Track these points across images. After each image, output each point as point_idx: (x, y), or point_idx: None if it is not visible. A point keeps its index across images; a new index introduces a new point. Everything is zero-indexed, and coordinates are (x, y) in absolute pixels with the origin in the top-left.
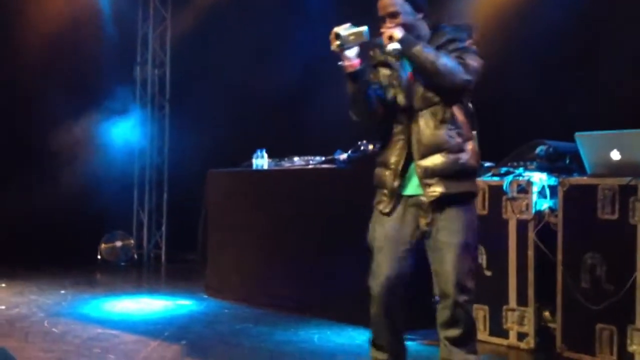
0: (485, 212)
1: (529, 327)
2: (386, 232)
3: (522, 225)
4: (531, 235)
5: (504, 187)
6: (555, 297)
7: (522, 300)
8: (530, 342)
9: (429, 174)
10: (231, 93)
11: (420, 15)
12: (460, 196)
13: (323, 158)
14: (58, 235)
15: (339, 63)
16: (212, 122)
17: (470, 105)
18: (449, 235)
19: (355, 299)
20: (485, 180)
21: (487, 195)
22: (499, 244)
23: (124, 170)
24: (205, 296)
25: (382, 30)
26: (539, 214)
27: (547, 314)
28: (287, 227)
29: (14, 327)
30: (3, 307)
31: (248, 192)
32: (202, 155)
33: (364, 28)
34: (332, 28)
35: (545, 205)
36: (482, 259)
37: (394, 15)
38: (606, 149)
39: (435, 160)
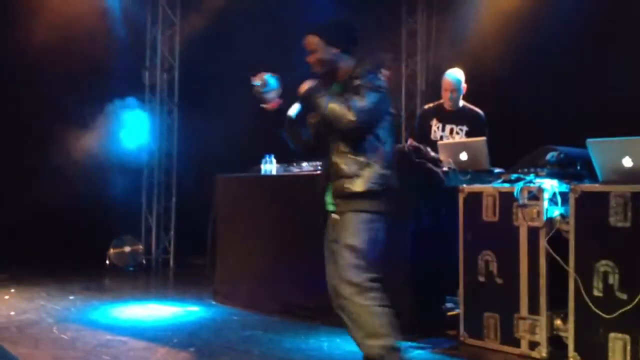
0: (495, 219)
1: (540, 336)
2: (326, 244)
3: (533, 233)
4: (542, 242)
5: (515, 194)
6: (567, 305)
7: (533, 309)
8: (542, 351)
9: (334, 196)
10: (240, 97)
11: (337, 51)
12: (355, 212)
13: None
14: (66, 241)
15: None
16: (220, 127)
17: (380, 133)
18: (339, 242)
19: None
20: (496, 186)
21: (497, 202)
22: (509, 251)
23: (133, 175)
24: (214, 302)
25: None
26: (550, 221)
27: (559, 322)
28: (296, 233)
29: (24, 333)
30: (12, 313)
31: (256, 198)
32: (211, 159)
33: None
34: None
35: (556, 212)
36: (493, 267)
37: (312, 51)
38: (618, 156)
39: (337, 184)
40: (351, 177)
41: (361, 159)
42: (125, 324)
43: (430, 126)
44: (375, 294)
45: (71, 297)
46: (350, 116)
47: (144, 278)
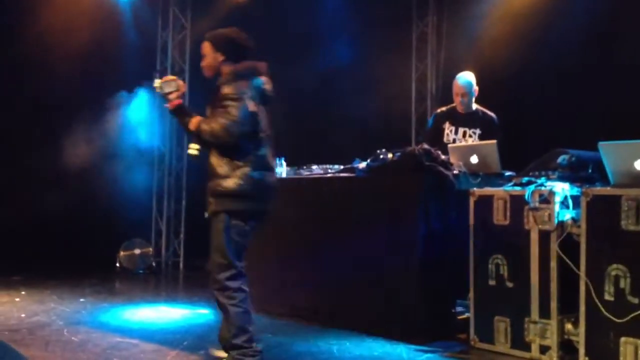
0: (506, 222)
1: (551, 340)
2: None
3: (544, 236)
4: (554, 246)
5: (526, 197)
6: (578, 309)
7: (544, 313)
8: (552, 356)
9: (209, 194)
10: None
11: (222, 58)
12: (219, 212)
13: (342, 167)
14: (77, 243)
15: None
16: None
17: (252, 137)
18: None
19: (374, 309)
20: (507, 189)
21: (508, 205)
22: (520, 255)
23: (143, 178)
24: None
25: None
26: (562, 224)
27: (570, 326)
28: (306, 236)
29: (34, 335)
30: (23, 315)
31: None
32: None
33: (174, 77)
34: (352, 39)
35: (567, 215)
36: (504, 270)
37: (204, 56)
38: (630, 159)
39: (211, 183)
40: (224, 177)
41: (234, 161)
42: (136, 327)
43: (443, 129)
44: (233, 293)
45: (82, 300)
46: (224, 135)
47: (154, 281)
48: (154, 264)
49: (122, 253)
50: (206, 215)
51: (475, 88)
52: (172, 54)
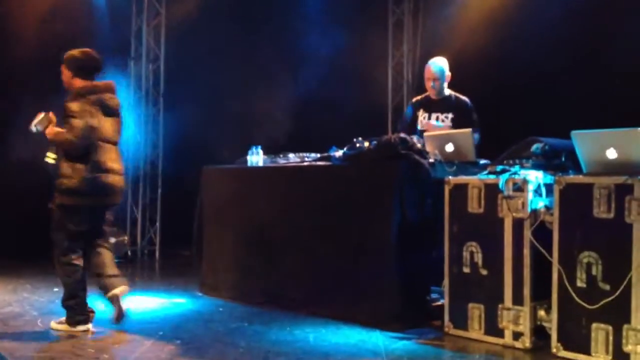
0: (481, 210)
1: (524, 326)
2: None
3: (518, 224)
4: (527, 233)
5: (500, 186)
6: (550, 296)
7: (517, 299)
8: (525, 342)
9: (55, 190)
10: (227, 88)
11: (70, 74)
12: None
13: (318, 155)
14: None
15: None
16: (207, 117)
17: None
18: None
19: (350, 296)
20: (482, 178)
21: (483, 194)
22: (494, 243)
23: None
24: (200, 294)
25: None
26: (535, 212)
27: (542, 313)
28: (281, 224)
29: (8, 326)
30: None
31: (243, 189)
32: (197, 150)
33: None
34: (328, 26)
35: (541, 203)
36: (478, 258)
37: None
38: (602, 147)
39: (58, 182)
40: (67, 177)
41: (75, 164)
42: (106, 316)
43: (417, 117)
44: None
45: (56, 289)
46: (70, 147)
47: (130, 269)
48: (129, 252)
49: None
50: (50, 206)
51: (448, 74)
52: (147, 40)
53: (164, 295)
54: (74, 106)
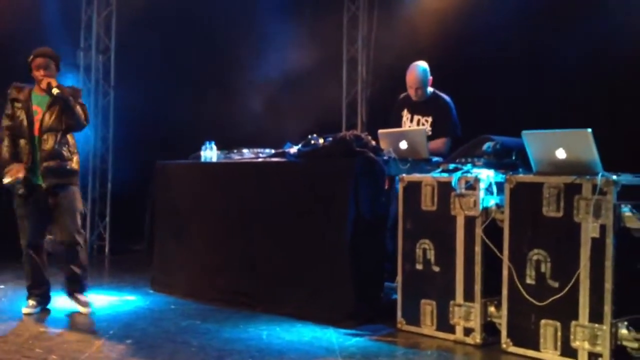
0: (434, 208)
1: (475, 322)
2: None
3: (469, 222)
4: (478, 231)
5: (453, 184)
6: (501, 292)
7: (468, 296)
8: (476, 337)
9: (51, 173)
10: (179, 81)
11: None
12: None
13: (273, 151)
14: None
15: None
16: (159, 111)
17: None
18: (67, 205)
19: (304, 294)
20: (435, 176)
21: (436, 192)
22: (447, 240)
23: None
24: (151, 291)
25: (39, 76)
26: (486, 210)
27: (493, 309)
28: (235, 220)
29: None
30: None
31: (196, 185)
32: (148, 144)
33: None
34: (282, 20)
35: (492, 202)
36: (431, 255)
37: (45, 68)
38: (552, 148)
39: (54, 164)
40: (68, 160)
41: (71, 147)
42: (59, 315)
43: (402, 116)
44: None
45: (1, 287)
46: (83, 121)
47: None
48: None
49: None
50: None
51: (429, 78)
52: (97, 31)
53: (114, 292)
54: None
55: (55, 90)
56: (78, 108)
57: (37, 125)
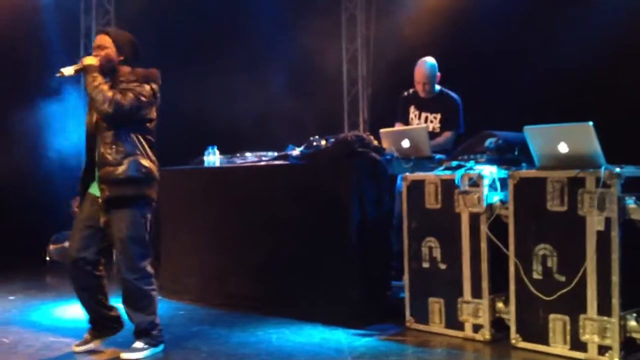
0: (438, 206)
1: (483, 319)
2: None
3: (474, 219)
4: (483, 228)
5: (456, 181)
6: (508, 288)
7: (476, 293)
8: (485, 334)
9: (101, 182)
10: (180, 87)
11: (121, 57)
12: (123, 199)
13: (276, 154)
14: (4, 238)
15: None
16: (160, 118)
17: (143, 132)
18: (117, 229)
19: (312, 295)
20: (438, 174)
21: (439, 189)
22: (452, 238)
23: (71, 168)
24: (160, 297)
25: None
26: (491, 206)
27: (501, 305)
28: (240, 224)
29: None
30: None
31: (200, 190)
32: None
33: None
34: (280, 21)
35: (496, 198)
36: (437, 253)
37: (102, 47)
38: (554, 142)
39: (103, 171)
40: (115, 165)
41: (124, 148)
42: (69, 325)
43: (409, 112)
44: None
45: (11, 298)
46: (106, 106)
47: None
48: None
49: (51, 246)
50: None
51: (438, 74)
52: None
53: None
54: (144, 89)
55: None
56: (101, 87)
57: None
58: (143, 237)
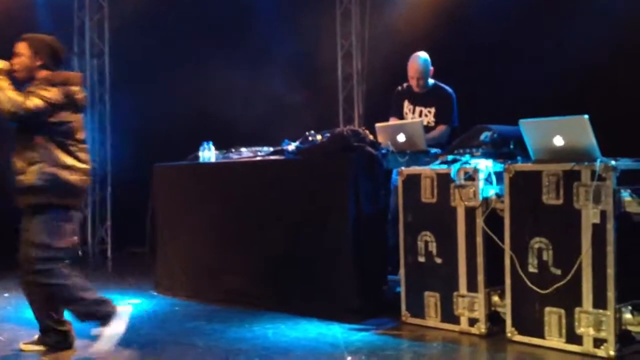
0: (434, 200)
1: (479, 313)
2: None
3: (470, 212)
4: (479, 222)
5: (452, 175)
6: (504, 282)
7: (472, 286)
8: (481, 328)
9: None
10: (175, 82)
11: (39, 62)
12: (30, 207)
13: (271, 149)
14: None
15: None
16: (155, 113)
17: (51, 137)
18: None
19: (308, 290)
20: (434, 168)
21: (435, 183)
22: (448, 232)
23: None
24: (155, 293)
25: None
26: (486, 200)
27: (496, 298)
28: (236, 220)
29: None
30: None
31: (196, 186)
32: (146, 147)
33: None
34: (275, 17)
35: (491, 191)
36: (432, 247)
37: (17, 55)
38: (549, 135)
39: (16, 180)
40: (20, 174)
41: (28, 156)
42: None
43: (403, 107)
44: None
45: (6, 295)
46: (9, 106)
47: (81, 271)
48: (80, 253)
49: None
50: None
51: (431, 69)
52: (90, 35)
53: (118, 296)
54: (50, 92)
55: None
56: (5, 89)
57: None
58: (49, 244)
